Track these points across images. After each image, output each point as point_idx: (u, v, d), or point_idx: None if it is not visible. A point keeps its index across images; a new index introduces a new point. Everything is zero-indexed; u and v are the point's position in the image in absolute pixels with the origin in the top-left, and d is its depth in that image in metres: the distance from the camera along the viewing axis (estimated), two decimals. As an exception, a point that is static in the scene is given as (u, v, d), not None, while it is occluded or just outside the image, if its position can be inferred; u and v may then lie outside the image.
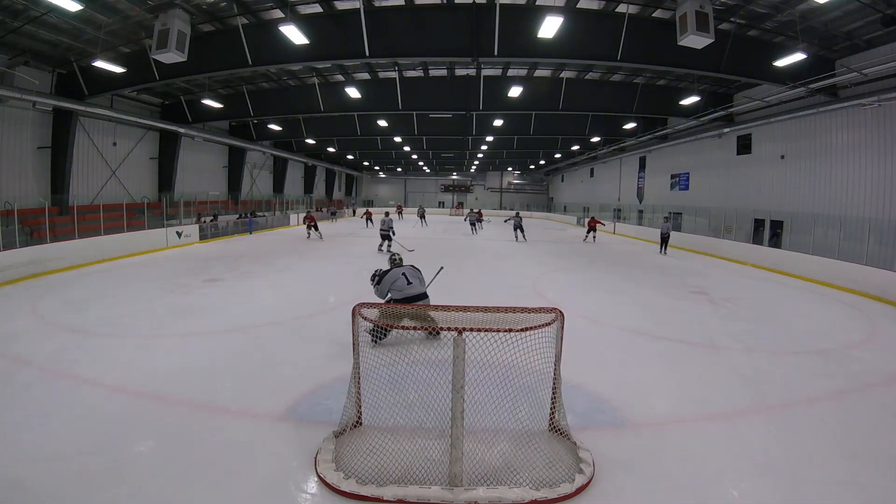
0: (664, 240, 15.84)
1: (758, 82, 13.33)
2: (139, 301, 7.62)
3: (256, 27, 10.69)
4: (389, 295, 5.54)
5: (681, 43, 8.16)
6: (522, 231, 19.33)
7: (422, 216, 29.50)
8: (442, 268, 7.00)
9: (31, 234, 11.11)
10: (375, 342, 4.51)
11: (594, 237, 19.86)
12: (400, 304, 4.94)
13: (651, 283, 10.22)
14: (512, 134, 21.77)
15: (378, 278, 5.72)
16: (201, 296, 8.11)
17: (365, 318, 3.31)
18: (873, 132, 11.72)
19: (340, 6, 10.48)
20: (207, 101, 15.55)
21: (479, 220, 23.62)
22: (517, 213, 20.82)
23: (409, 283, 5.49)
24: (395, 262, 5.96)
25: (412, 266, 5.85)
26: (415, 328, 3.57)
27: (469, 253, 15.27)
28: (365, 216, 26.94)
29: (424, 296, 5.59)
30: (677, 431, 3.68)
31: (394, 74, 15.13)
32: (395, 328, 3.60)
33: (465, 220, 24.16)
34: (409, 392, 3.37)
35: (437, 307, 3.35)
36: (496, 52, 9.95)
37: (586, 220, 21.64)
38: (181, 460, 3.11)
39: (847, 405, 4.25)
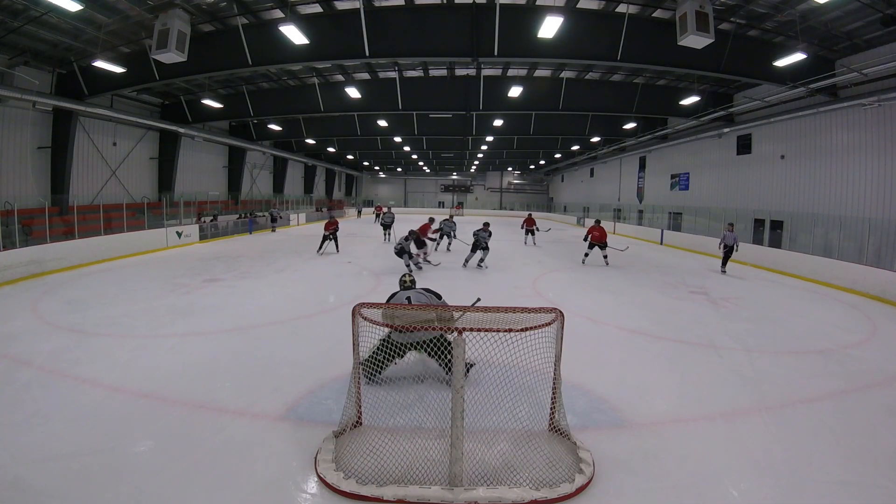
0: (728, 254, 12.00)
1: (758, 82, 13.33)
2: (139, 301, 7.62)
3: (256, 27, 10.69)
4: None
5: (681, 43, 8.16)
6: (485, 250, 11.86)
7: (386, 226, 18.22)
8: (479, 299, 4.61)
9: (30, 234, 11.11)
10: (370, 381, 3.88)
11: (605, 257, 12.91)
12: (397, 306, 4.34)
13: (651, 283, 10.22)
14: (512, 134, 21.76)
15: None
16: (201, 296, 8.12)
17: (365, 318, 3.29)
18: (873, 132, 11.72)
19: (340, 6, 10.48)
20: (207, 101, 15.56)
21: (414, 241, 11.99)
22: (485, 225, 12.46)
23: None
24: (405, 284, 4.84)
25: (423, 290, 4.78)
26: (414, 328, 3.38)
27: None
28: (375, 210, 31.47)
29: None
30: (677, 431, 3.68)
31: (394, 74, 15.14)
32: (394, 329, 3.55)
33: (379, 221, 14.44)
34: (409, 392, 3.37)
35: (436, 308, 3.33)
36: (496, 52, 9.96)
37: (587, 230, 13.75)
38: (181, 460, 3.11)
39: (847, 405, 4.25)
